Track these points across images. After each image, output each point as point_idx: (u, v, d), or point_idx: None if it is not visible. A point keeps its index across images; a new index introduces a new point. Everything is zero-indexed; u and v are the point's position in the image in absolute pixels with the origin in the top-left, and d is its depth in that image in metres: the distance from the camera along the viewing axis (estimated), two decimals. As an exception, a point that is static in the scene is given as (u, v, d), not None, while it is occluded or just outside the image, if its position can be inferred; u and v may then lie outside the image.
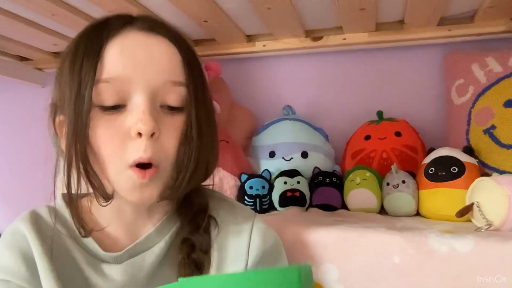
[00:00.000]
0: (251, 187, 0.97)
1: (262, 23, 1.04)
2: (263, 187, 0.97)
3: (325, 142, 1.09)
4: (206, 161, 0.52)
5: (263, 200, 0.96)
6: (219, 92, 1.13)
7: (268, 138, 1.08)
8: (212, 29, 1.08)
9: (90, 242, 0.52)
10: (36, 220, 0.52)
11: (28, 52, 1.28)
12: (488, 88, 0.95)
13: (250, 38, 1.17)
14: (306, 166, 1.02)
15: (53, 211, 0.54)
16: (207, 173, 0.54)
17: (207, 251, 0.52)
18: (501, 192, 0.68)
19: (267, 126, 1.11)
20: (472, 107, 0.97)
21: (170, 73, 0.49)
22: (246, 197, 0.95)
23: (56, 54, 1.34)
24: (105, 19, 0.51)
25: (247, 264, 0.55)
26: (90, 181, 0.48)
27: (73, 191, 0.49)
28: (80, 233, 0.51)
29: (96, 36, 0.48)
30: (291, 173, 0.97)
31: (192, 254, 0.52)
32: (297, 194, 0.93)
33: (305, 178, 0.98)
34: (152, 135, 0.46)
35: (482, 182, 0.73)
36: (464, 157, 0.84)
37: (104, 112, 0.47)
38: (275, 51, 1.19)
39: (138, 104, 0.47)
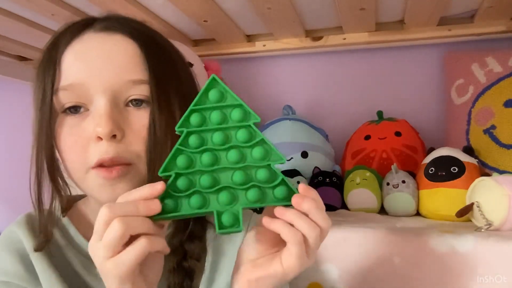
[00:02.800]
0: (251, 187, 0.97)
1: (262, 23, 1.04)
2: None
3: (325, 142, 1.09)
4: None
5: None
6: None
7: (268, 138, 1.07)
8: (212, 29, 1.08)
9: (83, 243, 0.52)
10: (32, 223, 0.52)
11: (28, 52, 1.28)
12: (488, 88, 0.95)
13: (250, 38, 1.18)
14: (306, 166, 1.02)
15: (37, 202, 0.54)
16: None
17: (199, 259, 0.52)
18: (501, 192, 0.68)
19: (267, 126, 1.11)
20: (472, 107, 0.97)
21: (129, 72, 0.48)
22: (246, 197, 0.95)
23: (56, 54, 1.34)
24: (66, 27, 0.51)
25: None
26: (57, 190, 0.49)
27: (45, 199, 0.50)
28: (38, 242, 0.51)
29: (54, 45, 0.50)
30: (291, 173, 0.97)
31: (183, 262, 0.51)
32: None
33: (305, 178, 0.98)
34: (113, 136, 0.46)
35: (482, 182, 0.73)
36: (464, 157, 0.84)
37: (68, 117, 0.48)
38: (275, 51, 1.19)
39: (97, 107, 0.47)
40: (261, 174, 0.43)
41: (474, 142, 0.94)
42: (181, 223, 0.53)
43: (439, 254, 0.64)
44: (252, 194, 0.42)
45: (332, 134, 1.14)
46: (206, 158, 0.42)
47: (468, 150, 0.87)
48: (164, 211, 0.40)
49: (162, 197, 0.41)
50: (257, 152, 0.43)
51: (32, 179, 0.49)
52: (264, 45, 1.16)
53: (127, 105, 0.48)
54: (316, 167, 1.01)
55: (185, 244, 0.51)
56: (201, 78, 0.98)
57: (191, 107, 0.43)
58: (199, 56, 1.14)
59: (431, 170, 0.84)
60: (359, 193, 0.90)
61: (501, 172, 0.86)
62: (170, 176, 0.42)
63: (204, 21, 1.01)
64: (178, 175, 0.42)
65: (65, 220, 0.54)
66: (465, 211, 0.73)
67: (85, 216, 0.55)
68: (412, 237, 0.65)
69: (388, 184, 0.88)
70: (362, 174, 0.92)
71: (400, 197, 0.86)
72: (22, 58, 1.36)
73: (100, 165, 0.46)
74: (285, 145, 1.05)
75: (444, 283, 0.63)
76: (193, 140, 0.42)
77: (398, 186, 0.86)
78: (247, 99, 1.43)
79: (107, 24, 0.50)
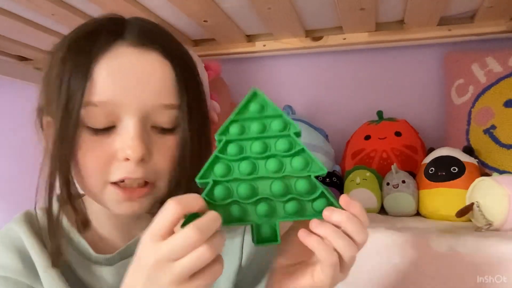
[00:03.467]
0: (251, 187, 0.97)
1: (262, 23, 1.04)
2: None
3: (325, 142, 1.09)
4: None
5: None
6: (219, 92, 1.13)
7: (268, 138, 1.08)
8: (212, 29, 1.08)
9: (82, 243, 0.52)
10: (30, 220, 0.52)
11: (28, 52, 1.28)
12: (488, 88, 0.95)
13: (250, 38, 1.17)
14: (306, 166, 1.02)
15: (47, 212, 0.53)
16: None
17: None
18: (501, 192, 0.68)
19: (267, 126, 1.11)
20: (472, 107, 0.97)
21: (162, 96, 0.47)
22: (246, 197, 0.95)
23: (56, 54, 1.34)
24: (94, 30, 0.48)
25: (241, 262, 0.55)
26: (72, 205, 0.48)
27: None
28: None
29: (85, 52, 0.46)
30: (291, 173, 0.97)
31: None
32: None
33: (305, 178, 0.98)
34: (141, 159, 0.45)
35: (482, 182, 0.73)
36: (464, 157, 0.84)
37: (92, 134, 0.46)
38: (275, 51, 1.19)
39: (128, 128, 0.45)
40: (301, 185, 0.41)
41: (474, 142, 0.94)
42: None
43: (439, 254, 0.64)
44: (290, 206, 0.41)
45: (332, 134, 1.13)
46: (244, 166, 0.41)
47: (468, 150, 0.87)
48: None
49: None
50: (297, 162, 0.42)
51: (43, 188, 0.48)
52: (264, 45, 1.16)
53: (153, 126, 0.48)
54: (316, 167, 1.01)
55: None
56: (202, 78, 0.98)
57: (231, 118, 0.42)
58: (199, 56, 1.14)
59: (431, 170, 0.84)
60: (359, 193, 0.90)
61: (501, 172, 0.86)
62: (206, 183, 0.41)
63: (204, 21, 1.01)
64: (215, 183, 0.41)
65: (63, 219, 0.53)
66: (465, 211, 0.73)
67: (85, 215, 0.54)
68: (412, 237, 0.65)
69: (388, 184, 0.88)
70: (362, 174, 0.92)
71: (400, 197, 0.86)
72: (22, 58, 1.36)
73: (118, 183, 0.46)
74: (285, 145, 1.05)
75: (444, 283, 0.63)
76: (232, 148, 0.42)
77: (398, 186, 0.86)
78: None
79: (141, 38, 0.48)
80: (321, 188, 0.41)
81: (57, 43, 0.51)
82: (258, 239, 0.41)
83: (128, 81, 0.46)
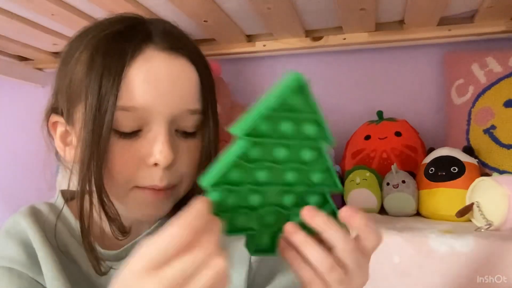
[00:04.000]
0: (251, 187, 0.97)
1: (262, 23, 1.04)
2: (263, 187, 0.97)
3: (325, 142, 1.09)
4: None
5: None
6: (219, 92, 1.13)
7: (268, 138, 1.08)
8: (212, 29, 1.08)
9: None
10: (35, 215, 0.52)
11: (28, 52, 1.28)
12: (488, 88, 0.95)
13: (250, 38, 1.17)
14: (306, 166, 1.02)
15: (53, 208, 0.53)
16: None
17: None
18: (501, 192, 0.68)
19: (267, 126, 1.11)
20: (472, 107, 0.97)
21: (189, 102, 0.48)
22: (246, 197, 0.95)
23: (56, 54, 1.34)
24: (122, 30, 0.47)
25: (250, 264, 0.55)
26: (105, 212, 0.47)
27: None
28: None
29: (116, 53, 0.45)
30: (291, 173, 0.97)
31: None
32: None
33: (305, 178, 0.98)
34: (169, 165, 0.46)
35: (482, 182, 0.73)
36: (464, 157, 0.84)
37: (120, 137, 0.46)
38: (275, 51, 1.19)
39: (157, 133, 0.46)
40: (313, 199, 0.38)
41: (474, 142, 0.94)
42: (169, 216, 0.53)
43: (439, 254, 0.64)
44: (298, 218, 0.37)
45: (332, 134, 1.13)
46: (263, 175, 0.36)
47: (468, 150, 0.87)
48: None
49: None
50: (317, 176, 0.38)
51: (77, 196, 0.47)
52: (264, 45, 1.16)
53: (176, 130, 0.48)
54: (316, 167, 1.01)
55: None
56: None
57: (262, 109, 0.34)
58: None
59: (431, 170, 0.84)
60: (359, 193, 0.90)
61: (501, 172, 0.86)
62: (217, 191, 0.36)
63: (204, 21, 1.01)
64: (228, 191, 0.36)
65: (67, 213, 0.53)
66: (465, 211, 0.73)
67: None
68: (412, 237, 0.65)
69: (388, 184, 0.88)
70: (362, 174, 0.92)
71: (400, 197, 0.86)
72: (22, 58, 1.36)
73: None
74: (285, 145, 1.05)
75: (444, 283, 0.63)
76: (254, 152, 0.36)
77: (398, 186, 0.86)
78: (247, 99, 1.44)
79: (169, 42, 0.48)
80: (332, 206, 0.39)
81: (73, 42, 0.50)
82: (256, 249, 0.39)
83: (161, 87, 0.45)
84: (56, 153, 0.53)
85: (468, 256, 0.62)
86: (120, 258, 0.52)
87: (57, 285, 0.48)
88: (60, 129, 0.51)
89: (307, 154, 0.38)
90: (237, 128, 0.34)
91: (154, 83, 0.45)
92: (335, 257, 0.35)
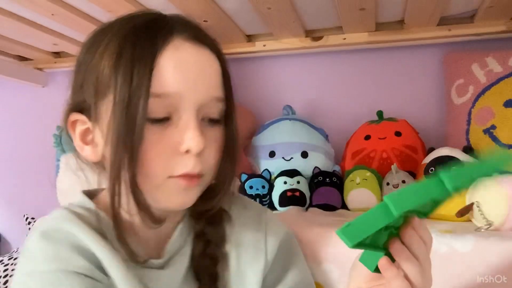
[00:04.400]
0: (251, 187, 0.97)
1: (262, 23, 1.04)
2: (263, 187, 0.97)
3: (325, 142, 1.09)
4: (236, 168, 0.53)
5: (263, 200, 0.96)
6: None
7: (268, 138, 1.08)
8: (212, 29, 1.07)
9: (130, 246, 0.49)
10: (79, 217, 0.49)
11: (28, 52, 1.28)
12: (488, 88, 0.95)
13: (250, 38, 1.18)
14: (306, 166, 1.02)
15: (84, 209, 0.51)
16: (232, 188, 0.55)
17: (221, 245, 0.54)
18: (501, 192, 0.68)
19: (267, 126, 1.11)
20: (472, 107, 0.97)
21: (215, 89, 0.49)
22: (246, 197, 0.95)
23: (56, 54, 1.34)
24: (148, 22, 0.48)
25: (266, 258, 0.56)
26: (139, 203, 0.46)
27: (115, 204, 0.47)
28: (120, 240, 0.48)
29: (147, 42, 0.46)
30: (291, 173, 0.97)
31: (207, 249, 0.53)
32: (297, 194, 0.93)
33: (305, 178, 0.98)
34: (200, 152, 0.47)
35: (482, 182, 0.73)
36: (464, 157, 0.84)
37: (151, 125, 0.45)
38: (275, 51, 1.19)
39: (187, 120, 0.46)
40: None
41: (474, 142, 0.94)
42: (199, 213, 0.54)
43: (439, 254, 0.64)
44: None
45: (332, 134, 1.14)
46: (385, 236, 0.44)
47: (468, 150, 0.87)
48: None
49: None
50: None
51: (109, 187, 0.45)
52: (264, 45, 1.16)
53: (203, 118, 0.49)
54: (316, 167, 1.01)
55: (206, 229, 0.54)
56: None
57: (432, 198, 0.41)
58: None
59: (431, 170, 0.84)
60: (359, 193, 0.90)
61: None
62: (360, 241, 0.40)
63: (204, 21, 1.01)
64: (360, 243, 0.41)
65: (102, 214, 0.50)
66: (465, 211, 0.73)
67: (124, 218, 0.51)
68: (412, 237, 0.65)
69: (388, 184, 0.88)
70: (362, 174, 0.92)
71: (400, 197, 0.85)
72: (22, 58, 1.36)
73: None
74: (285, 145, 1.05)
75: (444, 283, 0.63)
76: (397, 221, 0.42)
77: (398, 186, 0.86)
78: (247, 99, 1.43)
79: (193, 34, 0.49)
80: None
81: (95, 36, 0.50)
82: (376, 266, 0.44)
83: (189, 75, 0.47)
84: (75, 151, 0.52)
85: (468, 256, 0.62)
86: (164, 266, 0.52)
87: (130, 284, 0.47)
88: (80, 127, 0.50)
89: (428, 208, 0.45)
90: (400, 206, 0.39)
91: (184, 70, 0.46)
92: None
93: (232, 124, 0.51)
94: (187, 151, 0.46)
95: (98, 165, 0.50)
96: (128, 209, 0.48)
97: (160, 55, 0.46)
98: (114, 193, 0.45)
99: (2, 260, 1.28)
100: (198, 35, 0.50)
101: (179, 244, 0.53)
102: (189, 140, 0.45)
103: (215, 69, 0.50)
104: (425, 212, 0.45)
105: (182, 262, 0.53)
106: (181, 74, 0.46)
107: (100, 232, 0.48)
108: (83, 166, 0.52)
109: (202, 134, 0.46)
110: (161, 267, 0.52)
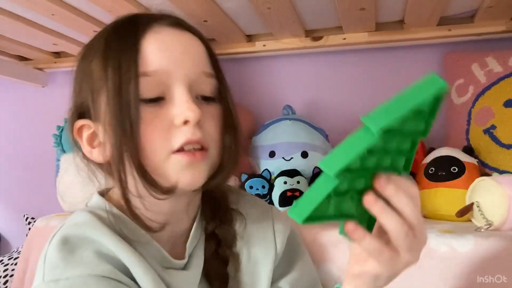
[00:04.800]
0: (251, 187, 0.97)
1: (262, 23, 1.04)
2: (263, 187, 0.97)
3: (325, 142, 1.09)
4: (240, 149, 0.53)
5: (263, 200, 0.96)
6: (219, 92, 1.13)
7: (268, 138, 1.08)
8: (212, 29, 1.08)
9: (155, 247, 0.50)
10: (104, 222, 0.49)
11: (28, 52, 1.28)
12: (488, 88, 0.95)
13: (250, 38, 1.18)
14: (306, 166, 1.02)
15: (116, 216, 0.50)
16: (238, 164, 0.55)
17: (232, 246, 0.55)
18: (501, 192, 0.68)
19: (267, 126, 1.11)
20: (472, 107, 0.97)
21: (203, 65, 0.51)
22: (246, 197, 0.95)
23: (56, 54, 1.34)
24: (130, 18, 0.51)
25: (276, 253, 0.57)
26: (145, 177, 0.46)
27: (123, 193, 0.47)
28: (149, 231, 0.49)
29: (129, 31, 0.49)
30: (291, 173, 0.97)
31: (219, 249, 0.54)
32: (297, 194, 0.93)
33: (305, 178, 0.98)
34: (198, 122, 0.47)
35: (482, 182, 0.73)
36: (464, 157, 0.84)
37: (146, 105, 0.47)
38: (275, 51, 1.19)
39: (179, 95, 0.48)
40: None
41: (474, 142, 0.94)
42: (208, 211, 0.56)
43: (439, 254, 0.64)
44: None
45: (332, 134, 1.13)
46: (372, 161, 0.39)
47: (468, 150, 0.87)
48: (313, 218, 0.37)
49: (316, 205, 0.36)
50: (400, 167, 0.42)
51: (116, 174, 0.46)
52: (264, 45, 1.16)
53: (197, 96, 0.50)
54: (316, 167, 1.01)
55: (217, 229, 0.55)
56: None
57: (414, 106, 0.36)
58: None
59: (431, 170, 0.84)
60: (359, 193, 0.89)
61: (501, 172, 0.86)
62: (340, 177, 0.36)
63: (204, 21, 1.01)
64: (343, 178, 0.37)
65: (121, 216, 0.50)
66: (465, 211, 0.73)
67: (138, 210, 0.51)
68: (412, 237, 0.65)
69: (388, 184, 0.88)
70: (362, 174, 0.91)
71: (400, 197, 0.85)
72: (22, 58, 1.36)
73: (181, 150, 0.47)
74: (285, 145, 1.05)
75: (444, 283, 0.63)
76: (378, 146, 0.37)
77: (398, 186, 0.86)
78: (247, 99, 1.43)
79: (178, 21, 0.52)
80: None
81: (88, 45, 0.52)
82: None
83: (174, 52, 0.49)
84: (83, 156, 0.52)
85: (468, 256, 0.62)
86: (186, 267, 0.52)
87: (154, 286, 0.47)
88: (87, 132, 0.51)
89: (407, 145, 0.41)
90: (377, 121, 0.35)
91: (168, 49, 0.49)
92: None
93: (228, 103, 0.52)
94: (185, 122, 0.47)
95: (107, 165, 0.50)
96: (137, 192, 0.48)
97: (143, 39, 0.48)
98: (121, 179, 0.46)
99: (2, 260, 1.28)
100: (178, 21, 0.52)
101: (196, 243, 0.54)
102: (185, 110, 0.46)
103: (200, 49, 0.52)
104: (376, 167, 0.40)
105: (199, 263, 0.53)
106: (166, 52, 0.48)
107: (123, 236, 0.48)
108: (93, 168, 0.52)
109: (198, 106, 0.47)
110: (183, 268, 0.52)
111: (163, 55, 0.48)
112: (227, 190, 0.59)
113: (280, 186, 0.96)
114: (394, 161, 0.42)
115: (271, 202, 0.96)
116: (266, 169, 1.03)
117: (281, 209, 0.94)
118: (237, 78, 1.27)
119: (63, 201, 1.07)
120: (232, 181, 0.98)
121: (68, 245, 0.47)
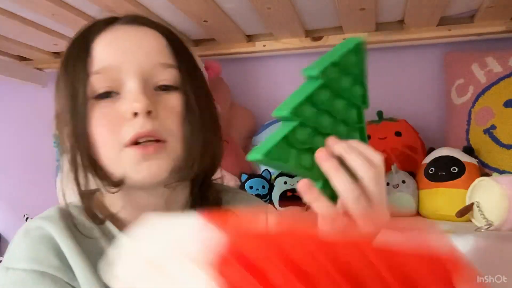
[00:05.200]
0: (251, 187, 0.97)
1: (262, 23, 1.04)
2: (263, 187, 0.97)
3: (325, 142, 1.09)
4: (212, 142, 0.52)
5: (263, 200, 0.96)
6: (219, 92, 1.13)
7: (268, 138, 1.08)
8: (212, 29, 1.08)
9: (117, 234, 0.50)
10: (64, 217, 0.50)
11: (28, 52, 1.28)
12: (488, 88, 0.95)
13: (250, 38, 1.17)
14: (306, 166, 1.02)
15: (78, 209, 0.52)
16: (215, 159, 0.54)
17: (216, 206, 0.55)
18: (501, 192, 0.68)
19: (267, 126, 1.11)
20: (472, 107, 0.97)
21: (159, 56, 0.50)
22: (246, 197, 0.95)
23: (56, 54, 1.34)
24: (92, 23, 0.53)
25: None
26: (95, 171, 0.48)
27: (83, 188, 0.49)
28: (95, 222, 0.50)
29: (84, 36, 0.51)
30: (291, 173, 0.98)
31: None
32: (297, 194, 0.93)
33: (305, 178, 0.98)
34: (148, 113, 0.47)
35: (482, 182, 0.73)
36: (464, 157, 0.84)
37: (99, 102, 0.48)
38: (275, 51, 1.19)
39: (130, 88, 0.48)
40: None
41: (474, 142, 0.94)
42: (199, 211, 0.54)
43: (439, 254, 0.64)
44: None
45: (332, 134, 1.14)
46: (326, 120, 0.41)
47: (468, 150, 0.87)
48: (272, 156, 0.37)
49: (276, 143, 0.37)
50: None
51: (66, 170, 0.49)
52: (264, 45, 1.16)
53: (156, 88, 0.50)
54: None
55: (201, 189, 0.54)
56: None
57: (333, 59, 0.41)
58: (199, 56, 1.14)
59: (431, 170, 0.84)
60: (359, 193, 0.89)
61: (501, 172, 0.86)
62: (287, 118, 0.38)
63: (204, 21, 1.01)
64: (299, 125, 0.38)
65: (81, 212, 0.51)
66: (465, 211, 0.73)
67: (102, 207, 0.53)
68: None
69: (388, 184, 0.88)
70: (362, 174, 0.92)
71: (400, 197, 0.86)
72: (22, 58, 1.36)
73: (135, 143, 0.47)
74: (285, 145, 1.05)
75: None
76: (324, 94, 0.40)
77: (398, 186, 0.86)
78: (247, 99, 1.43)
79: (135, 18, 0.52)
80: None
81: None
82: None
83: (125, 47, 0.49)
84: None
85: (468, 256, 0.62)
86: None
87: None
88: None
89: (353, 113, 0.44)
90: (314, 67, 0.39)
91: (119, 44, 0.49)
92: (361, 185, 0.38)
93: (191, 91, 0.51)
94: (135, 114, 0.46)
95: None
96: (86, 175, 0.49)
97: (95, 41, 0.49)
98: (75, 176, 0.48)
99: (2, 260, 1.28)
100: (134, 18, 0.52)
101: None
102: (133, 102, 0.46)
103: (156, 41, 0.51)
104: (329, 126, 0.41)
105: None
106: (116, 48, 0.49)
107: (75, 233, 0.49)
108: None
109: (151, 99, 0.47)
110: None
111: (113, 50, 0.49)
112: (222, 190, 0.58)
113: (280, 186, 0.96)
114: (347, 118, 0.44)
115: (271, 202, 0.96)
116: (266, 169, 1.03)
117: (280, 209, 0.94)
118: (237, 78, 1.27)
119: (62, 201, 1.07)
120: (232, 181, 0.98)
121: (27, 237, 0.49)
